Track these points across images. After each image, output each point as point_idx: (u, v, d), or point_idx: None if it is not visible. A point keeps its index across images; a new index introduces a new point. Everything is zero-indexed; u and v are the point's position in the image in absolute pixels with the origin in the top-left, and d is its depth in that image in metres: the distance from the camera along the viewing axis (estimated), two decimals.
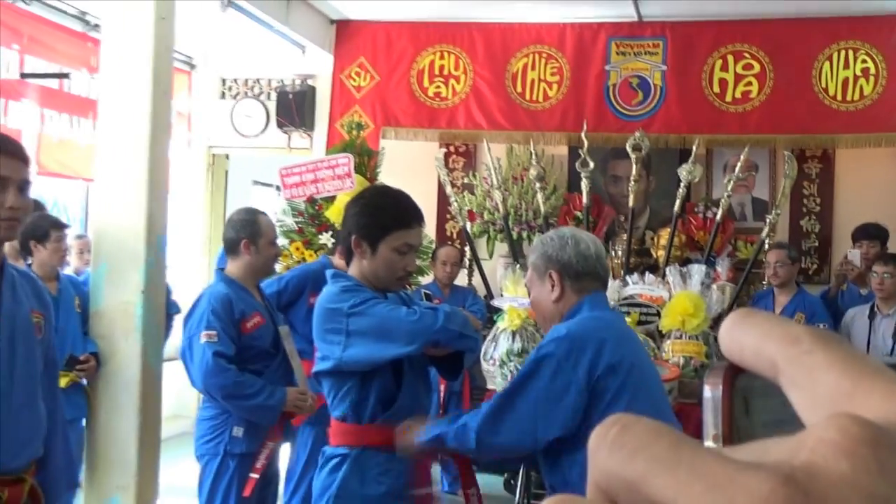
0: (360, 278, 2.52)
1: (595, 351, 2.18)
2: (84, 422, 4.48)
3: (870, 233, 5.57)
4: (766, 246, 5.72)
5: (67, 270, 5.05)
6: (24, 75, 5.56)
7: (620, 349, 2.23)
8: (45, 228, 4.50)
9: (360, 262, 2.51)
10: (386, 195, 2.64)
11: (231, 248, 3.69)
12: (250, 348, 3.54)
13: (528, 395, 2.20)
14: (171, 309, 4.85)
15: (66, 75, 5.81)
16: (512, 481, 5.80)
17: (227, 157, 7.96)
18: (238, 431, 3.49)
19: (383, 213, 2.50)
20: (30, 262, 4.53)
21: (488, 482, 6.08)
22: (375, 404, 2.46)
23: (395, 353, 2.41)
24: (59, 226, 4.61)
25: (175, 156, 4.73)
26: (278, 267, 5.44)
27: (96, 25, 6.03)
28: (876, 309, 5.04)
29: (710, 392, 0.55)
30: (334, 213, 5.41)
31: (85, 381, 4.43)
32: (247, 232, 3.63)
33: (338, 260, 4.42)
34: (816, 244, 6.52)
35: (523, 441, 2.24)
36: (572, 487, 2.14)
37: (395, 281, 2.55)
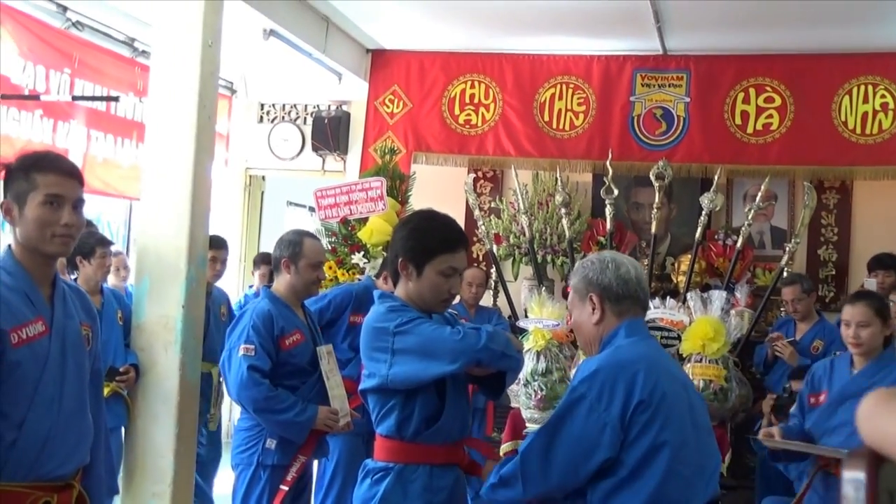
0: (406, 299, 2.56)
1: (626, 389, 2.17)
2: (123, 430, 4.61)
3: (884, 263, 5.66)
4: (785, 273, 5.83)
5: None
6: (74, 98, 5.76)
7: (651, 380, 2.19)
8: (91, 245, 4.65)
9: (406, 283, 2.57)
10: (433, 220, 2.65)
11: (275, 265, 3.78)
12: (287, 364, 3.60)
13: (564, 440, 2.19)
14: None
15: (115, 98, 6.00)
16: None
17: (263, 178, 8.19)
18: (271, 444, 3.55)
19: (430, 237, 2.55)
20: (75, 276, 4.67)
21: None
22: (419, 422, 2.49)
23: (439, 371, 2.43)
24: (105, 243, 4.75)
25: (214, 176, 4.91)
26: None
27: (143, 51, 6.26)
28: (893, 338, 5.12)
29: (853, 489, 0.45)
30: (367, 234, 5.61)
31: (125, 392, 4.57)
32: (289, 252, 3.71)
33: (381, 283, 4.58)
34: (833, 272, 6.62)
35: (565, 481, 2.22)
36: None
37: (440, 303, 2.59)
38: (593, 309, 2.36)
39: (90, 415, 2.43)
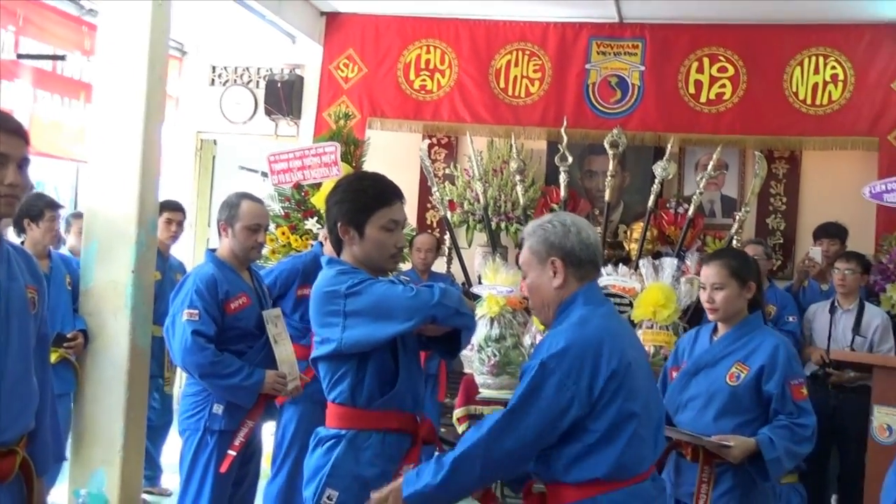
0: (353, 263, 2.52)
1: (594, 363, 2.19)
2: (71, 397, 4.56)
3: (830, 232, 5.78)
4: (735, 242, 5.93)
5: (63, 249, 5.16)
6: (19, 56, 5.60)
7: (617, 350, 2.22)
8: (39, 208, 4.56)
9: (350, 248, 2.52)
10: (362, 179, 2.63)
11: (217, 228, 3.72)
12: (234, 328, 3.56)
13: (533, 413, 2.19)
14: None
15: (62, 57, 5.85)
16: None
17: (214, 142, 8.06)
18: (218, 409, 3.51)
19: (363, 195, 2.50)
20: (22, 239, 4.58)
21: None
22: (373, 388, 2.45)
23: (394, 330, 2.39)
24: (54, 206, 4.65)
25: (164, 140, 4.82)
26: (264, 250, 5.59)
27: (91, 10, 6.11)
28: (836, 304, 5.25)
29: None
30: (320, 200, 5.57)
31: (73, 358, 4.50)
32: (226, 215, 3.64)
33: (329, 246, 4.54)
34: (781, 241, 6.73)
35: (530, 452, 2.24)
36: (555, 475, 2.26)
37: (388, 259, 2.55)
38: (555, 273, 2.33)
39: (35, 380, 2.37)
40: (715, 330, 3.23)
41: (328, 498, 2.42)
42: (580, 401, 2.18)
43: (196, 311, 3.46)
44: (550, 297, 2.35)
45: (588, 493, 2.21)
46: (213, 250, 3.72)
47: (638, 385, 2.26)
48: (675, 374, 3.27)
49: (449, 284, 5.90)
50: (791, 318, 5.31)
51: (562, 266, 2.32)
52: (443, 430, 6.09)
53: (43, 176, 6.36)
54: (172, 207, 5.34)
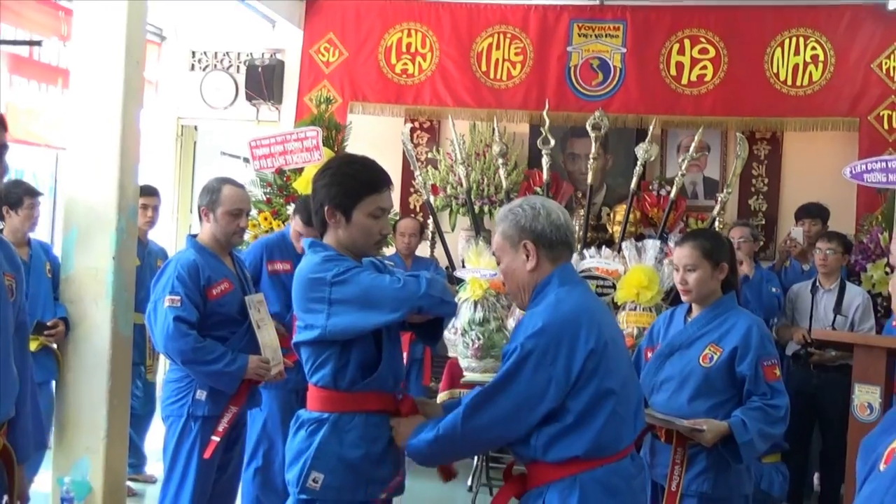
0: (337, 247, 2.50)
1: (571, 343, 2.20)
2: (53, 385, 4.54)
3: (811, 212, 5.82)
4: (717, 223, 5.96)
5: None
6: None
7: (594, 330, 2.23)
8: (18, 195, 4.51)
9: (335, 231, 2.50)
10: (353, 163, 2.58)
11: (198, 214, 3.70)
12: (216, 314, 3.53)
13: (511, 393, 2.21)
14: None
15: (38, 43, 5.78)
16: None
17: (195, 128, 8.02)
18: (201, 395, 3.49)
19: (353, 180, 2.48)
20: (0, 227, 4.54)
21: None
22: (355, 371, 2.44)
23: (380, 320, 2.39)
24: (33, 193, 4.60)
25: (144, 126, 4.78)
26: (246, 236, 5.56)
27: None
28: (818, 284, 5.28)
29: None
30: (302, 185, 5.55)
31: (55, 346, 4.47)
32: (207, 200, 3.61)
33: (296, 226, 4.50)
34: (763, 222, 6.76)
35: (509, 433, 2.26)
36: (534, 454, 2.27)
37: (372, 245, 2.54)
38: (528, 256, 2.34)
39: (14, 368, 2.34)
40: (689, 311, 3.21)
41: (314, 481, 2.41)
42: (557, 383, 2.19)
43: (178, 298, 3.44)
44: (525, 280, 2.37)
45: (568, 471, 2.22)
46: (195, 236, 3.69)
47: (616, 364, 2.27)
48: (650, 355, 3.26)
49: (433, 269, 6.01)
50: (774, 290, 5.34)
51: (534, 248, 2.33)
52: None
53: (22, 163, 6.30)
54: (146, 192, 5.27)
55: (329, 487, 2.41)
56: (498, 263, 2.46)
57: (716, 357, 3.01)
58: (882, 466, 1.15)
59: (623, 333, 2.51)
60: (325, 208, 2.49)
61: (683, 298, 3.20)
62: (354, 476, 2.42)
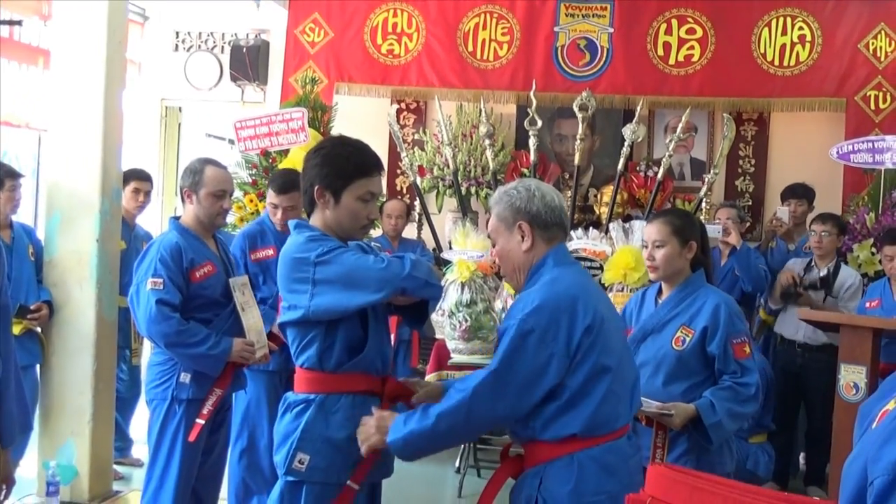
0: (323, 228, 2.51)
1: (570, 318, 2.22)
2: (38, 368, 4.52)
3: (797, 192, 5.82)
4: (704, 204, 5.96)
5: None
6: None
7: (591, 306, 2.26)
8: None
9: (322, 212, 2.50)
10: (347, 145, 2.58)
11: (181, 195, 3.64)
12: (199, 297, 3.50)
13: (515, 372, 2.22)
14: None
15: (18, 22, 5.71)
16: None
17: (179, 109, 7.96)
18: (185, 378, 3.46)
19: (346, 162, 2.48)
20: None
21: None
22: (341, 352, 2.45)
23: (363, 300, 2.40)
24: (14, 175, 4.50)
25: (127, 107, 4.72)
26: (231, 218, 5.53)
27: None
28: (813, 265, 5.29)
29: None
30: (287, 166, 5.50)
31: (39, 329, 4.45)
32: (189, 181, 3.56)
33: (271, 196, 4.42)
34: (750, 203, 6.76)
35: (514, 412, 2.25)
36: (532, 433, 2.28)
37: (359, 229, 2.55)
38: (523, 237, 2.36)
39: None
40: (660, 292, 3.20)
41: (299, 462, 2.41)
42: (559, 358, 2.21)
43: (160, 280, 3.40)
44: (521, 261, 2.39)
45: (565, 449, 2.24)
46: (177, 218, 3.65)
47: (612, 341, 2.29)
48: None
49: (420, 250, 5.99)
50: (762, 266, 5.33)
51: (529, 229, 2.36)
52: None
53: (4, 145, 6.23)
54: (139, 177, 5.23)
55: (315, 468, 2.41)
56: (493, 245, 2.47)
57: (688, 339, 3.01)
58: (874, 426, 1.19)
59: (617, 313, 2.50)
60: (315, 188, 2.49)
61: (651, 276, 3.19)
62: (340, 457, 2.42)
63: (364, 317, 2.49)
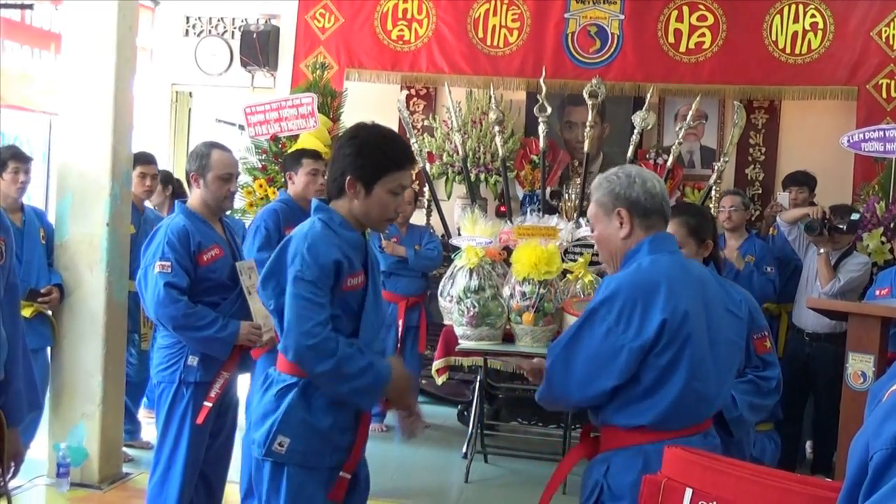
0: (346, 216, 2.49)
1: (645, 311, 2.18)
2: (49, 351, 4.54)
3: (798, 180, 5.80)
4: (714, 192, 5.95)
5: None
6: None
7: (672, 299, 2.18)
8: (3, 159, 4.42)
9: (351, 201, 2.48)
10: (381, 135, 2.53)
11: (187, 179, 3.65)
12: (207, 280, 3.51)
13: (581, 355, 2.23)
14: None
15: (30, 6, 5.73)
16: (465, 412, 6.02)
17: (190, 94, 7.97)
18: (193, 360, 3.47)
19: (381, 154, 2.46)
20: None
21: (442, 413, 6.33)
22: None
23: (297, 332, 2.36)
24: (20, 157, 4.48)
25: (138, 92, 4.73)
26: (241, 203, 5.55)
27: None
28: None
29: None
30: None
31: (50, 312, 4.46)
32: (196, 165, 3.56)
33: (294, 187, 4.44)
34: (760, 191, 6.75)
35: (585, 394, 2.26)
36: (605, 417, 2.27)
37: (384, 221, 2.53)
38: (621, 223, 2.33)
39: (4, 329, 2.32)
40: None
41: (279, 444, 2.41)
42: (629, 349, 2.18)
43: (168, 263, 3.41)
44: (618, 247, 2.36)
45: (635, 439, 2.22)
46: (184, 201, 3.66)
47: (695, 337, 2.22)
48: None
49: (428, 236, 6.00)
50: (769, 269, 5.33)
51: (628, 216, 2.32)
52: (423, 381, 6.14)
53: (16, 129, 6.26)
54: (145, 161, 5.23)
55: (294, 451, 2.40)
56: (592, 231, 2.45)
57: None
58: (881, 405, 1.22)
59: (723, 308, 2.41)
60: (348, 178, 2.46)
61: None
62: (320, 442, 2.41)
63: (358, 312, 2.47)
